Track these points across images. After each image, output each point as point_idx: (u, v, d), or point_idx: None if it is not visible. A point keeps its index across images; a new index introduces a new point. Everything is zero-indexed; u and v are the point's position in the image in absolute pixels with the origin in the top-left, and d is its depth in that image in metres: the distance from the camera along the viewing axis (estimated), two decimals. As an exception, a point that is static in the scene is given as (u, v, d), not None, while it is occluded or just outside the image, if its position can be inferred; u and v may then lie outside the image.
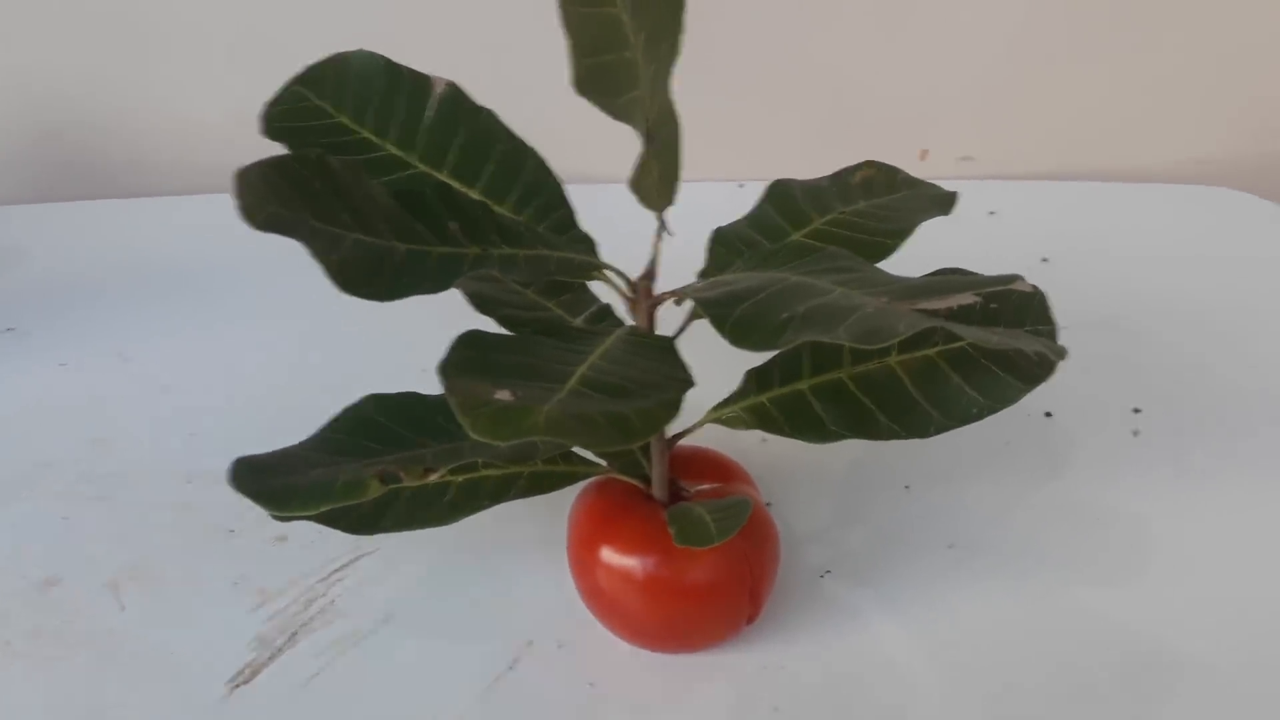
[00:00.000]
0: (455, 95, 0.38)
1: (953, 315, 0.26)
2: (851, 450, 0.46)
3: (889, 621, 0.38)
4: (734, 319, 0.26)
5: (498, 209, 0.37)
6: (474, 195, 0.37)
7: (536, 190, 0.38)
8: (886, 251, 0.36)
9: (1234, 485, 0.44)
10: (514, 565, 0.41)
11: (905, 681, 0.36)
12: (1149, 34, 0.71)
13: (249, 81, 0.72)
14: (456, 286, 0.32)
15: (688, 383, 0.28)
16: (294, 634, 0.38)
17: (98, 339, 0.57)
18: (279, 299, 0.60)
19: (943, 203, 0.39)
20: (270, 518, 0.30)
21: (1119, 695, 0.35)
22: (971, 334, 0.23)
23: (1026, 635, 0.38)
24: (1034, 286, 0.27)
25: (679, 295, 0.32)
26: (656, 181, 0.33)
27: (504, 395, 0.24)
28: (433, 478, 0.29)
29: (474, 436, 0.23)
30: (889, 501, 0.44)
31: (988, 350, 0.34)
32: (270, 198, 0.27)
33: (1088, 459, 0.46)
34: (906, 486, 0.44)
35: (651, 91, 0.31)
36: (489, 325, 0.36)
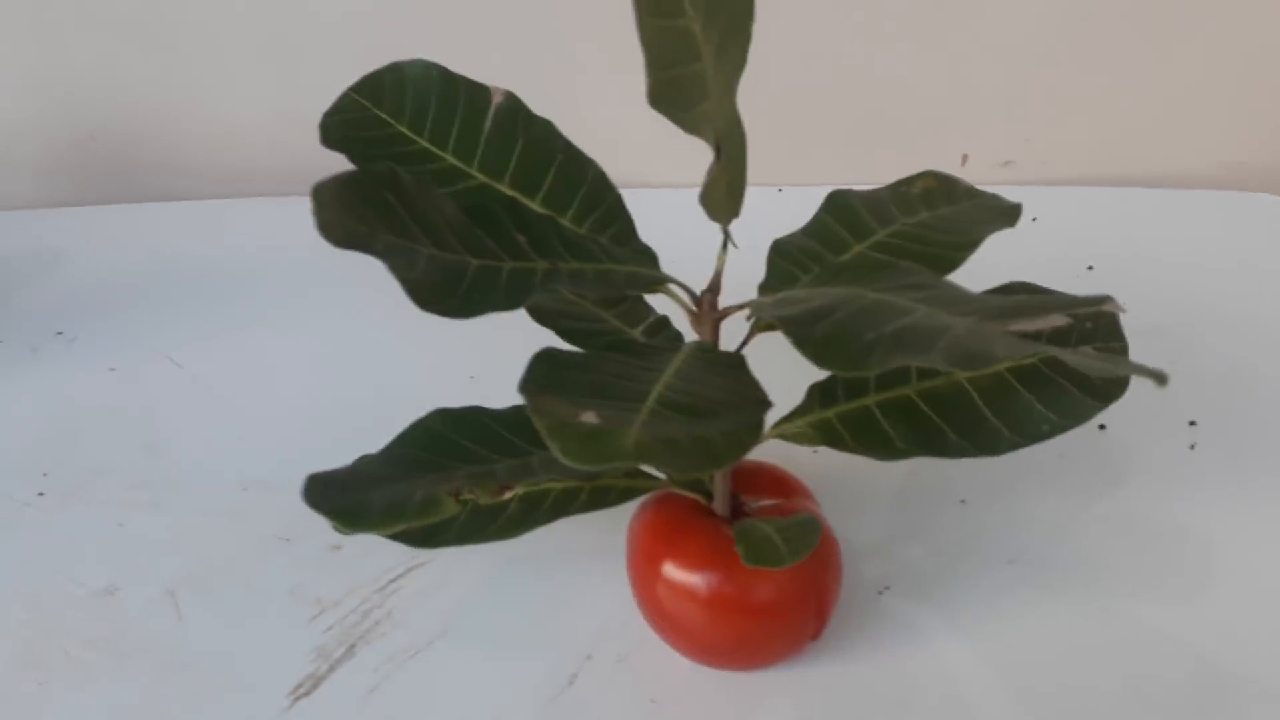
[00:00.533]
0: (513, 105, 0.38)
1: (1044, 337, 0.25)
2: (904, 463, 0.46)
3: (951, 639, 0.38)
4: (817, 338, 0.26)
5: (562, 222, 0.37)
6: (537, 208, 0.37)
7: (597, 201, 0.38)
8: (953, 265, 0.36)
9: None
10: (572, 577, 0.40)
11: (969, 699, 0.36)
12: (1184, 38, 0.71)
13: (287, 86, 0.73)
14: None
15: (766, 403, 0.27)
16: (352, 645, 0.38)
17: (146, 343, 0.57)
18: (324, 305, 0.60)
19: (1007, 215, 0.38)
20: (330, 528, 0.30)
21: (1184, 714, 0.35)
22: (1075, 359, 0.23)
23: (1089, 652, 0.37)
24: (1122, 308, 0.27)
25: (750, 310, 0.32)
26: (724, 194, 0.33)
27: (590, 418, 0.24)
28: (507, 495, 0.29)
29: (566, 462, 0.23)
30: (945, 516, 0.43)
31: (1059, 366, 0.34)
32: (346, 214, 0.27)
33: (1144, 473, 0.45)
34: (962, 501, 0.44)
35: (719, 102, 0.31)
36: (549, 338, 0.36)
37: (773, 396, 0.34)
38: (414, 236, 0.29)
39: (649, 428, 0.24)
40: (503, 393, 0.35)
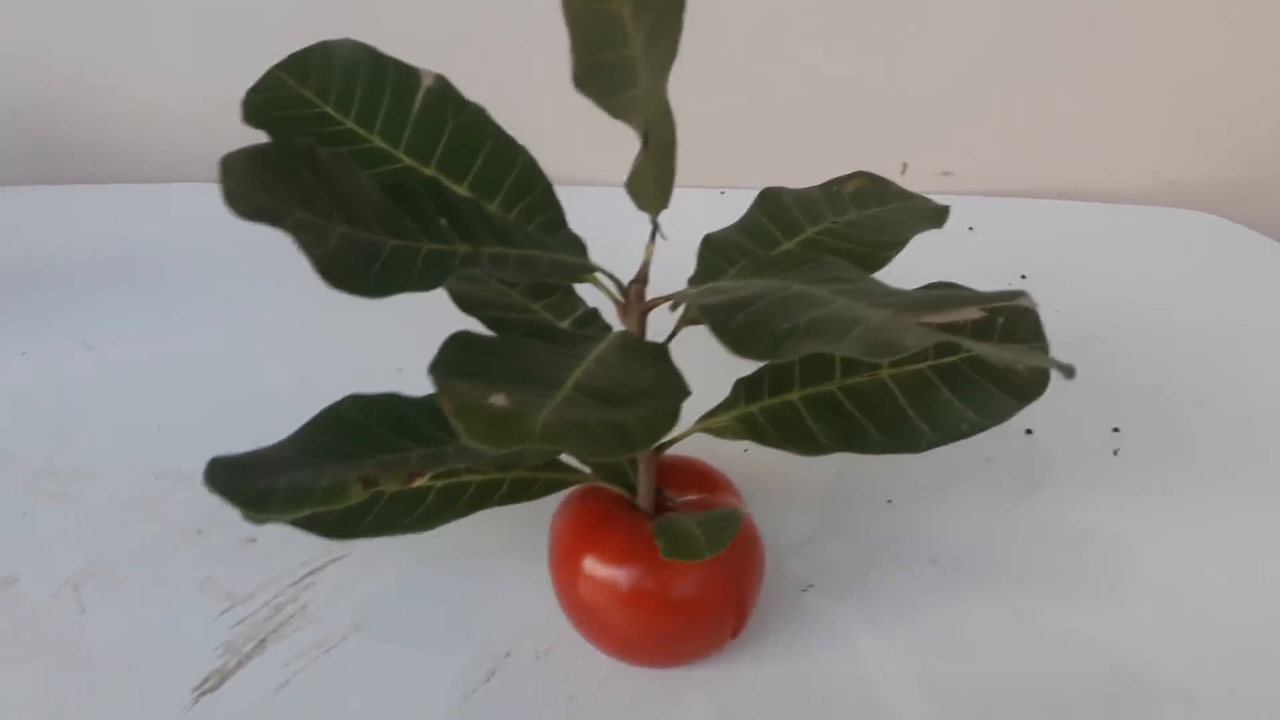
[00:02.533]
0: (443, 88, 0.37)
1: (956, 330, 0.25)
2: (833, 463, 0.46)
3: (871, 638, 0.38)
4: (735, 327, 0.25)
5: (486, 206, 0.36)
6: (462, 192, 0.36)
7: (526, 189, 0.37)
8: (880, 263, 0.36)
9: (1213, 506, 0.44)
10: (491, 573, 0.40)
11: (887, 699, 0.36)
12: (1126, 57, 0.72)
13: (223, 67, 0.71)
14: (443, 285, 0.32)
15: (684, 391, 0.27)
16: (263, 640, 0.37)
17: (61, 327, 0.55)
18: (251, 293, 0.58)
19: (935, 216, 0.38)
20: (241, 519, 0.29)
21: (1098, 715, 0.35)
22: (984, 350, 0.23)
23: (1008, 654, 0.37)
24: (1035, 303, 0.27)
25: (675, 300, 0.32)
26: (652, 183, 0.32)
27: (499, 400, 0.23)
28: (417, 483, 0.28)
29: (469, 442, 0.22)
30: (870, 516, 0.43)
31: (980, 366, 0.34)
32: (257, 186, 0.26)
33: (1068, 477, 0.46)
34: (888, 501, 0.44)
35: (649, 91, 0.31)
36: (472, 326, 0.36)
37: (700, 391, 0.34)
38: (328, 214, 0.28)
39: (560, 411, 0.24)
40: (430, 386, 0.34)
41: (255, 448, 0.30)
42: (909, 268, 0.37)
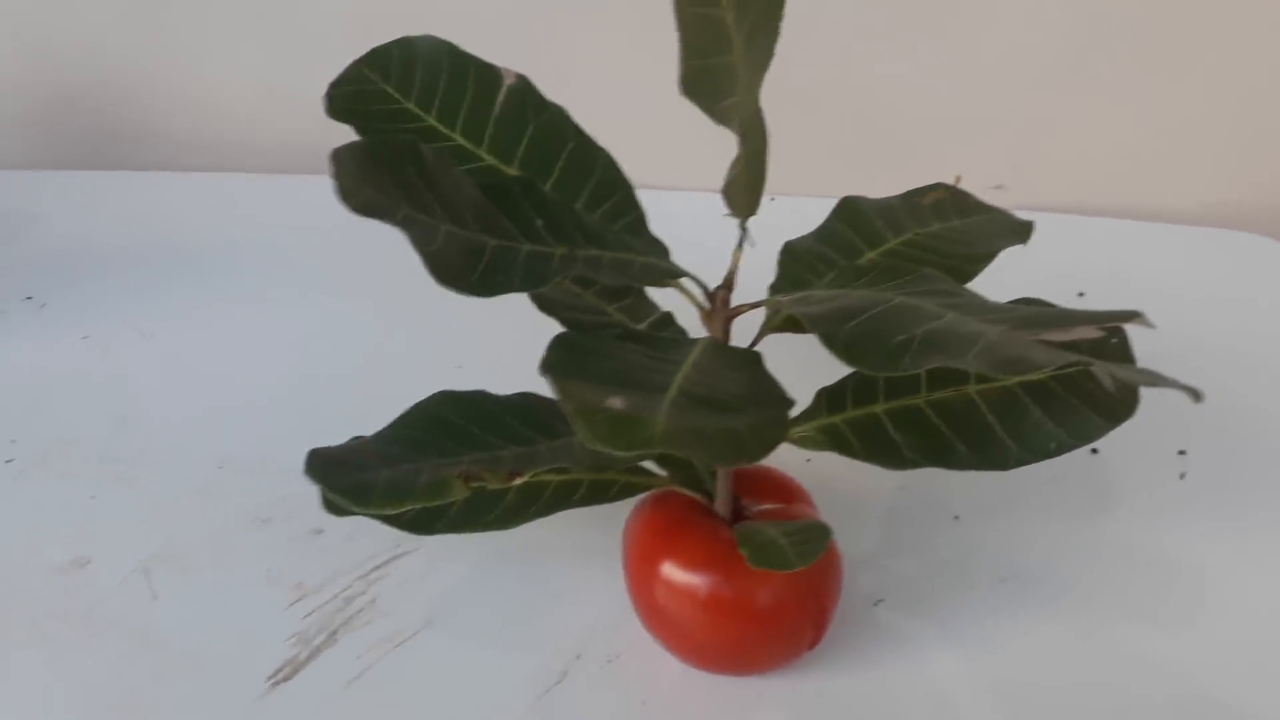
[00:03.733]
0: (525, 88, 0.37)
1: (1075, 349, 0.25)
2: (896, 477, 0.46)
3: (943, 654, 0.37)
4: (846, 337, 0.25)
5: (578, 208, 0.36)
6: (556, 194, 0.36)
7: (608, 192, 0.37)
8: (967, 277, 0.36)
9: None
10: (564, 573, 0.40)
11: (959, 714, 0.35)
12: (1178, 75, 0.72)
13: (274, 59, 0.72)
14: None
15: (789, 400, 0.27)
16: (334, 632, 0.37)
17: (119, 313, 0.56)
18: (304, 285, 0.58)
19: (1019, 231, 0.38)
20: (321, 509, 0.29)
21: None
22: (1113, 371, 0.23)
23: (1078, 674, 0.37)
24: (1152, 324, 0.26)
25: (767, 308, 0.32)
26: (744, 189, 0.32)
27: (616, 403, 0.23)
28: (517, 482, 0.28)
29: (591, 445, 0.22)
30: (938, 531, 0.43)
31: (1070, 384, 0.34)
32: (366, 181, 0.27)
33: (1135, 499, 0.45)
34: (956, 517, 0.44)
35: (746, 95, 0.31)
36: (532, 330, 0.36)
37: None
38: (432, 211, 0.28)
39: (676, 417, 0.23)
40: (490, 381, 0.34)
41: (310, 438, 0.30)
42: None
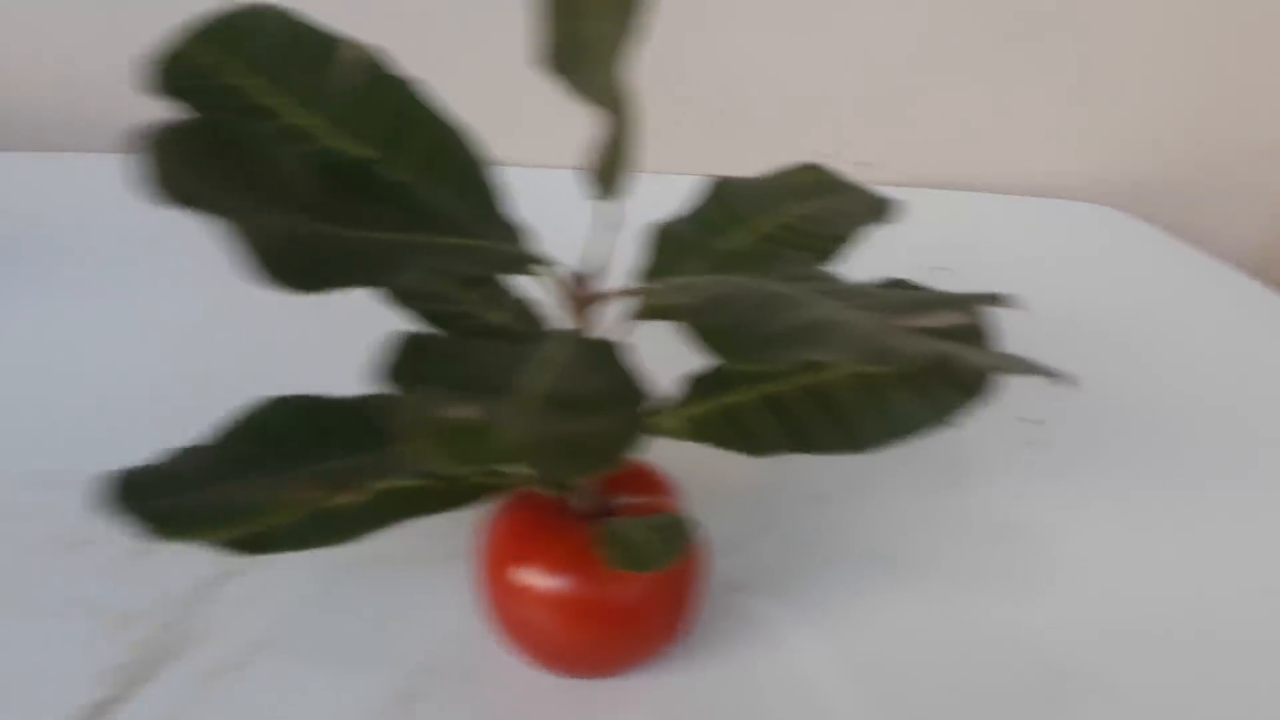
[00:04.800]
0: (376, 61, 0.34)
1: (946, 335, 0.24)
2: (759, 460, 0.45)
3: (806, 637, 0.37)
4: (720, 328, 0.24)
5: (425, 191, 0.33)
6: (401, 175, 0.33)
7: (467, 170, 0.34)
8: (831, 257, 0.35)
9: (1129, 497, 0.45)
10: (408, 583, 0.37)
11: (824, 699, 0.35)
12: (1035, 56, 0.74)
13: (123, 29, 0.65)
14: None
15: (650, 397, 0.25)
16: (155, 664, 0.33)
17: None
18: (129, 277, 0.53)
19: (884, 210, 0.38)
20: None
21: (1026, 707, 0.35)
22: (983, 360, 0.22)
23: (938, 649, 0.37)
24: (1020, 304, 0.26)
25: (638, 295, 0.30)
26: (611, 170, 0.30)
27: (463, 411, 0.21)
28: (358, 498, 0.25)
29: (432, 460, 0.20)
30: (798, 513, 0.43)
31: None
32: (184, 169, 0.23)
33: (990, 470, 0.46)
34: (815, 496, 0.43)
35: (616, 70, 0.29)
36: (385, 321, 0.33)
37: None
38: (261, 201, 0.25)
39: (529, 424, 0.21)
40: (336, 378, 0.31)
41: (138, 448, 0.26)
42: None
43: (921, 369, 0.33)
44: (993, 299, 0.25)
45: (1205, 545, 0.43)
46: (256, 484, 0.25)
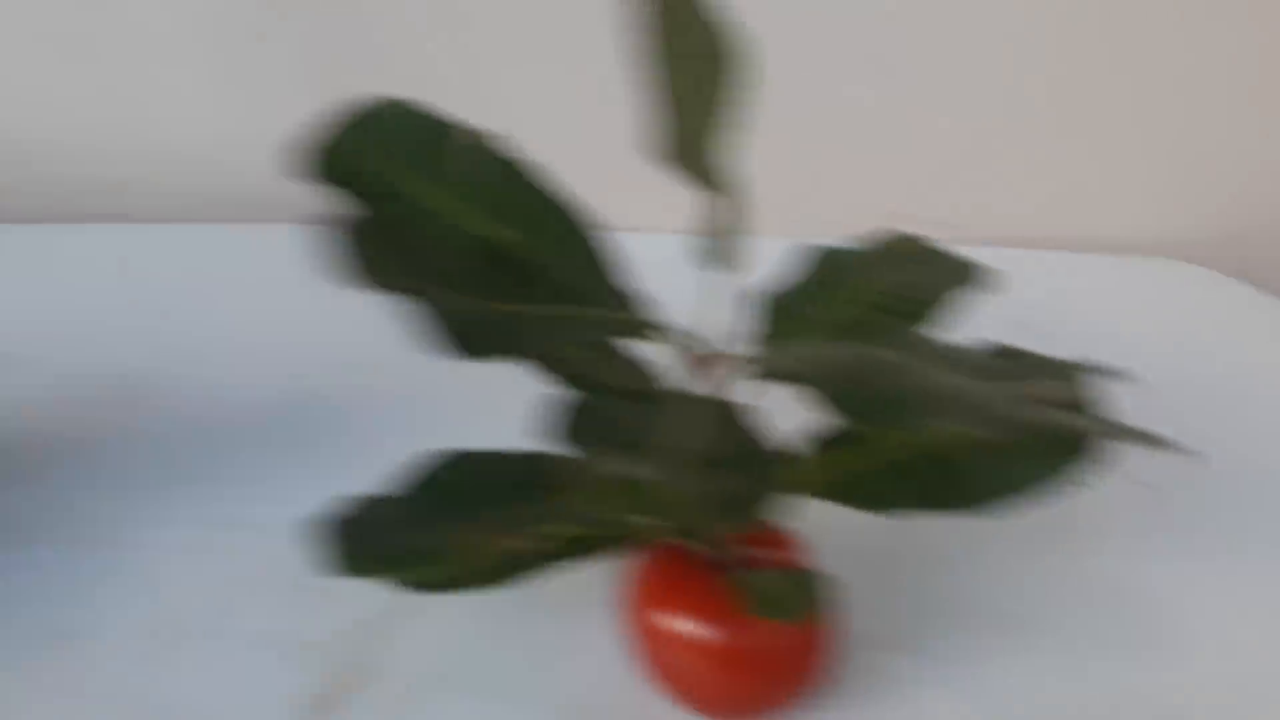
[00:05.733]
0: (501, 145, 0.37)
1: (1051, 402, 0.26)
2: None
3: (937, 696, 0.38)
4: (847, 395, 0.26)
5: (564, 267, 0.37)
6: (542, 255, 0.37)
7: (589, 245, 0.37)
8: (928, 322, 0.37)
9: (1245, 559, 0.46)
10: (563, 628, 0.40)
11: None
12: (1115, 111, 0.75)
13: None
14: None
15: (787, 457, 0.28)
16: (337, 695, 0.37)
17: None
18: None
19: (978, 278, 0.40)
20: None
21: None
22: (1119, 434, 0.24)
23: (1070, 712, 0.38)
24: (1133, 378, 0.28)
25: (763, 363, 0.33)
26: (725, 246, 0.33)
27: (637, 470, 0.24)
28: (545, 542, 0.29)
29: (608, 510, 0.23)
30: (924, 572, 0.44)
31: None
32: (380, 257, 0.27)
33: (1104, 533, 0.47)
34: (940, 558, 0.45)
35: (719, 160, 0.32)
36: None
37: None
38: (432, 281, 0.29)
39: (690, 482, 0.24)
40: (483, 432, 0.34)
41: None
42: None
43: (1038, 438, 0.35)
44: (1101, 370, 0.27)
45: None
46: (440, 530, 0.29)
